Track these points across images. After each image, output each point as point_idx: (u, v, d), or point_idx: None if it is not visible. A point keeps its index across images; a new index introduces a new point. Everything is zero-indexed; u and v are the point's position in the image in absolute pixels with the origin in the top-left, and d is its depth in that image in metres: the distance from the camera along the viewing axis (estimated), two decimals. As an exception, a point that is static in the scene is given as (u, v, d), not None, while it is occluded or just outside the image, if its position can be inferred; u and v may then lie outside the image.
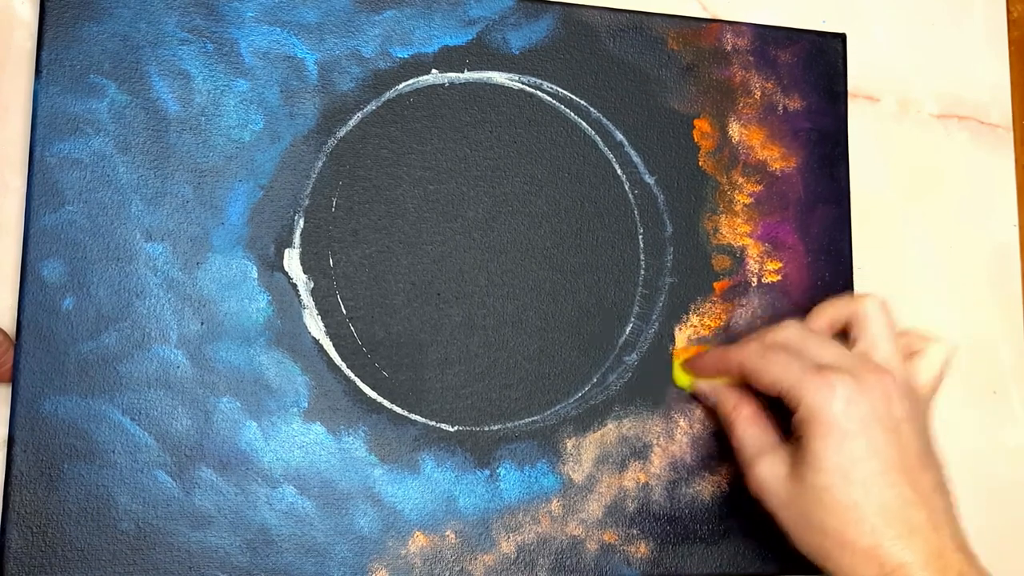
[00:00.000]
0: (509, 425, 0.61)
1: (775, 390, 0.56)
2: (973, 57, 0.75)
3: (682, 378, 0.64)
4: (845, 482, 0.53)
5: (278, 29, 0.60)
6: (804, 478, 0.54)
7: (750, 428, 0.59)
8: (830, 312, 0.60)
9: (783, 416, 0.57)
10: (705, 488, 0.63)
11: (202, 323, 0.58)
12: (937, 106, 0.74)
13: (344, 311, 0.59)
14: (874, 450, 0.53)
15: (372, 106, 0.61)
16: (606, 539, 0.61)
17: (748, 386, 0.60)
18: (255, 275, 0.59)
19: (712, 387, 0.62)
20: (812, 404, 0.54)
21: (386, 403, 0.60)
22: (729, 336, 0.65)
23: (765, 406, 0.60)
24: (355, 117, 0.61)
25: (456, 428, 0.60)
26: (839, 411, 0.53)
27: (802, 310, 0.66)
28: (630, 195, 0.64)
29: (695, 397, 0.64)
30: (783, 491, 0.56)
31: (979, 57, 0.76)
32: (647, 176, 0.65)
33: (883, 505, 0.53)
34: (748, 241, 0.66)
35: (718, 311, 0.65)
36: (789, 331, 0.59)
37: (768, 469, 0.57)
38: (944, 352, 0.59)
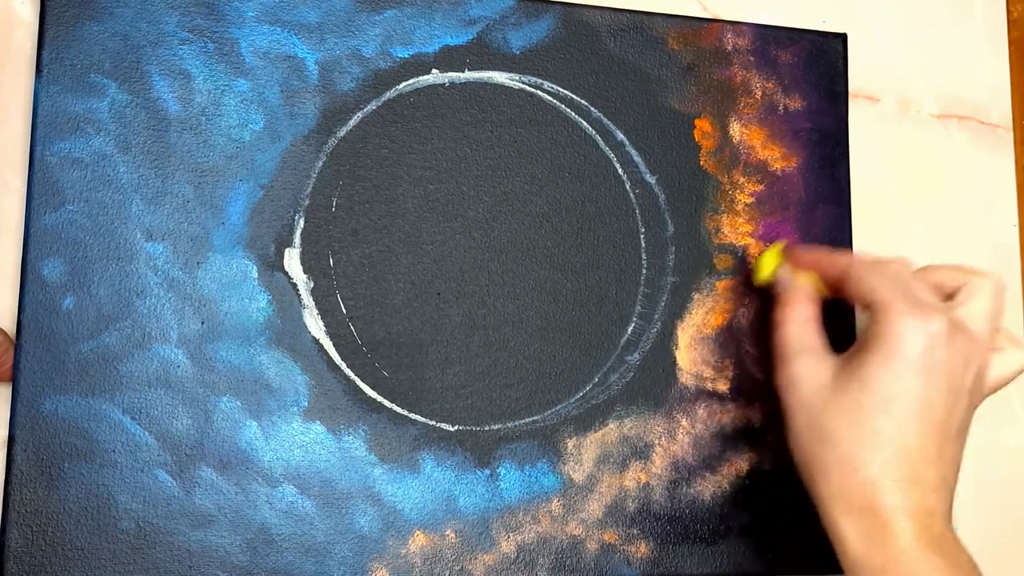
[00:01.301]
0: (509, 425, 0.61)
1: (869, 298, 0.55)
2: (973, 57, 0.75)
3: (770, 260, 0.62)
4: (884, 409, 0.52)
5: (279, 29, 0.60)
6: (845, 389, 0.53)
7: (805, 326, 0.58)
8: (945, 272, 0.58)
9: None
10: (706, 488, 0.63)
11: (202, 322, 0.58)
12: (937, 106, 0.74)
13: (344, 311, 0.59)
14: (927, 397, 0.52)
15: (372, 106, 0.61)
16: (606, 539, 0.61)
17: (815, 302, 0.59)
18: (255, 275, 0.59)
19: (791, 277, 0.61)
20: (899, 324, 0.53)
21: (386, 403, 0.60)
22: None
23: (822, 322, 0.59)
24: (355, 117, 0.61)
25: (456, 428, 0.60)
26: (917, 345, 0.52)
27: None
28: (631, 195, 0.64)
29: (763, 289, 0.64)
30: (815, 393, 0.55)
31: (979, 57, 0.76)
32: (648, 176, 0.65)
33: (904, 447, 0.52)
34: (750, 240, 0.66)
35: (720, 310, 0.65)
36: (900, 264, 0.57)
37: (807, 368, 0.56)
38: (1020, 363, 0.57)
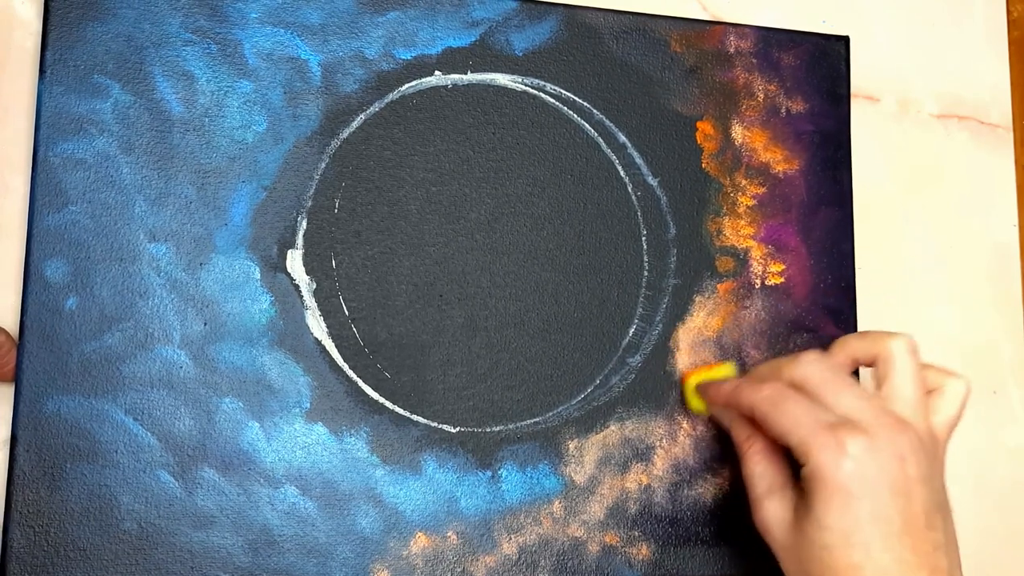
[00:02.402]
0: (511, 426, 0.61)
1: (785, 442, 0.54)
2: (973, 57, 0.75)
3: (695, 403, 0.63)
4: (846, 544, 0.52)
5: (282, 30, 0.60)
6: (806, 532, 0.53)
7: (760, 464, 0.58)
8: (856, 346, 0.58)
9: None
10: (707, 490, 0.63)
11: (205, 324, 0.58)
12: (937, 106, 0.74)
13: (346, 312, 0.60)
14: (878, 515, 0.52)
15: (375, 107, 0.61)
16: (608, 541, 0.61)
17: None
18: (258, 276, 0.59)
19: (725, 415, 0.61)
20: (820, 464, 0.52)
21: (388, 404, 0.60)
22: (741, 363, 0.65)
23: (777, 444, 0.58)
24: (358, 118, 0.61)
25: (458, 429, 0.60)
26: (847, 473, 0.52)
27: (804, 312, 0.66)
28: (633, 197, 0.64)
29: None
30: (786, 536, 0.55)
31: (979, 57, 0.76)
32: (650, 178, 0.65)
33: (883, 568, 0.51)
34: (751, 243, 0.66)
35: (722, 313, 0.65)
36: (808, 368, 0.56)
37: (773, 512, 0.56)
38: (963, 390, 0.57)
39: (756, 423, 0.57)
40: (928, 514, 0.53)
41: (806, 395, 0.55)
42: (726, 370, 0.64)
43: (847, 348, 0.58)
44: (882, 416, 0.53)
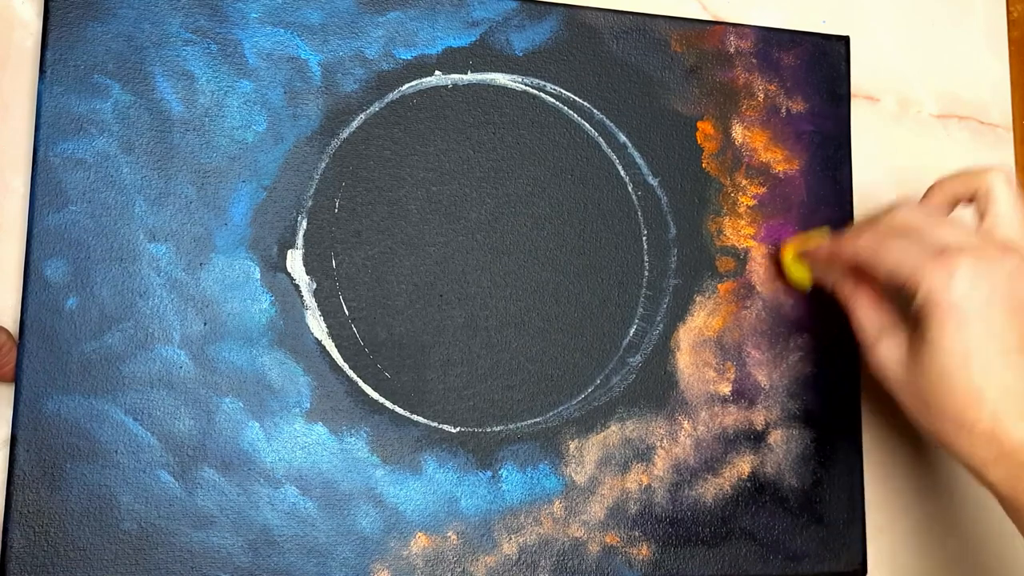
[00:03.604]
0: (511, 426, 0.61)
1: (894, 280, 0.55)
2: (973, 57, 0.75)
3: (798, 272, 0.64)
4: (964, 366, 0.52)
5: (282, 30, 0.60)
6: (923, 362, 0.54)
7: (869, 311, 0.59)
8: (951, 187, 0.59)
9: (902, 299, 0.57)
10: (707, 490, 0.63)
11: (205, 323, 0.58)
12: (937, 106, 0.74)
13: (346, 312, 0.60)
14: (994, 332, 0.52)
15: (375, 107, 0.61)
16: (608, 541, 0.61)
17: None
18: (258, 276, 0.59)
19: (829, 274, 0.62)
20: (932, 289, 0.53)
21: (388, 404, 0.60)
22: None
23: (883, 291, 0.59)
24: (358, 118, 0.61)
25: (458, 429, 0.60)
26: (960, 294, 0.52)
27: (805, 312, 0.66)
28: (633, 197, 0.64)
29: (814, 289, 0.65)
30: (903, 373, 0.56)
31: (979, 57, 0.76)
32: (650, 178, 0.65)
33: (1003, 387, 0.52)
34: (752, 243, 0.66)
35: (722, 313, 0.65)
36: (905, 213, 0.57)
37: (887, 352, 0.57)
38: None
39: (859, 277, 0.59)
40: None
41: (908, 235, 0.56)
42: (821, 233, 0.65)
43: (943, 189, 0.59)
44: (987, 241, 0.54)
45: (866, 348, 0.58)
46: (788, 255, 0.65)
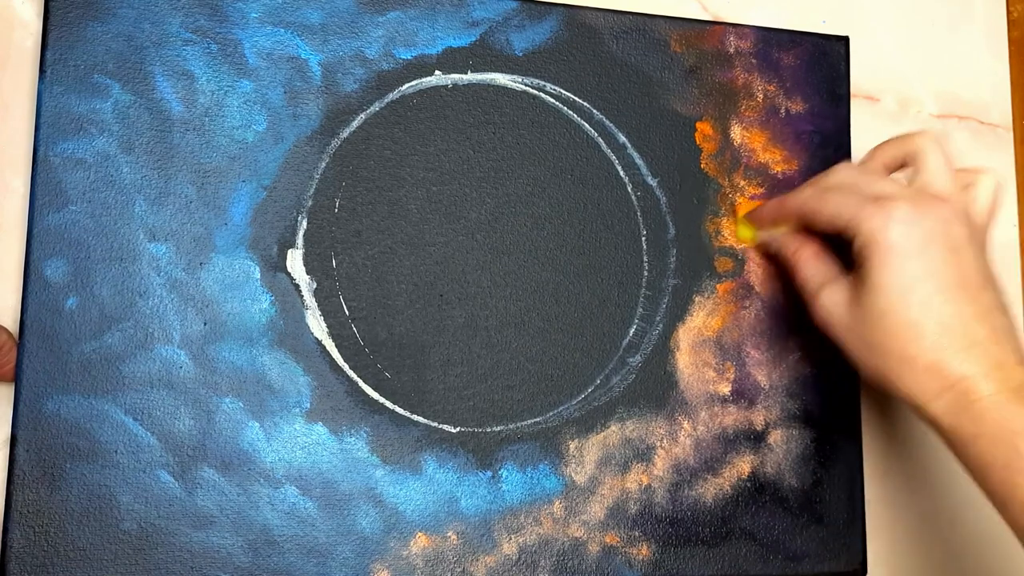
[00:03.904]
0: (511, 427, 0.61)
1: (834, 226, 0.58)
2: (973, 57, 0.76)
3: (744, 232, 0.66)
4: (904, 302, 0.55)
5: (282, 30, 0.60)
6: (865, 303, 0.56)
7: (812, 263, 0.61)
8: (885, 151, 0.61)
9: (844, 256, 0.59)
10: (707, 490, 0.63)
11: (205, 323, 0.58)
12: (937, 106, 0.74)
13: (347, 312, 0.60)
14: (932, 270, 0.55)
15: (375, 107, 0.61)
16: (608, 541, 0.61)
17: (808, 231, 0.62)
18: (258, 276, 0.59)
19: (773, 236, 0.64)
20: (870, 230, 0.55)
21: (388, 404, 0.60)
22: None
23: (826, 246, 0.61)
24: (358, 118, 0.61)
25: (458, 429, 0.60)
26: (897, 234, 0.55)
27: (803, 312, 0.66)
28: (633, 197, 0.64)
29: (761, 250, 0.66)
30: (846, 317, 0.57)
31: (979, 57, 0.76)
32: (650, 178, 0.65)
33: (943, 322, 0.54)
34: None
35: (721, 313, 0.65)
36: (843, 172, 0.60)
37: (830, 298, 0.59)
38: (993, 181, 0.60)
39: (803, 236, 0.62)
40: (981, 274, 0.56)
41: (847, 188, 0.58)
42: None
43: (877, 155, 0.61)
44: (922, 192, 0.57)
45: (810, 298, 0.60)
46: (739, 216, 0.66)
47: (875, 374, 0.57)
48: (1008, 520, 0.53)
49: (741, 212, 0.66)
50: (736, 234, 0.66)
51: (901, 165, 0.60)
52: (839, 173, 0.60)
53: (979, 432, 0.53)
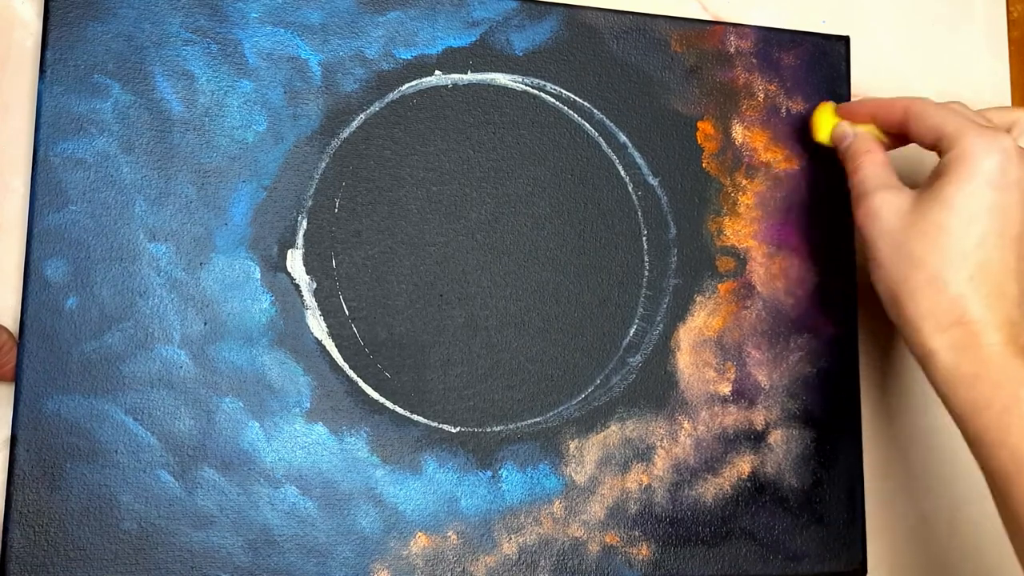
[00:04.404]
0: (511, 426, 0.61)
1: (936, 132, 0.58)
2: (973, 57, 0.76)
3: (822, 121, 0.65)
4: (965, 228, 0.55)
5: (282, 30, 0.60)
6: (926, 212, 0.56)
7: (879, 167, 0.60)
8: (995, 113, 0.61)
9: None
10: (708, 490, 0.63)
11: (205, 323, 0.58)
12: (938, 107, 0.74)
13: (347, 312, 0.60)
14: (1004, 211, 0.55)
15: (375, 107, 0.61)
16: (608, 541, 0.61)
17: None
18: (258, 276, 0.59)
19: (851, 131, 0.63)
20: (969, 148, 0.55)
21: (388, 404, 0.60)
22: None
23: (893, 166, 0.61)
24: (358, 118, 0.61)
25: (458, 429, 0.60)
26: (993, 163, 0.55)
27: (804, 312, 0.66)
28: (634, 197, 0.64)
29: (826, 147, 0.66)
30: (896, 220, 0.57)
31: (979, 57, 0.76)
32: (651, 178, 0.65)
33: (986, 262, 0.55)
34: (752, 243, 0.66)
35: (722, 313, 0.65)
36: (957, 104, 0.60)
37: (887, 199, 0.58)
38: None
39: (879, 143, 0.62)
40: None
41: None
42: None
43: (986, 113, 0.61)
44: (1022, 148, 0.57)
45: (865, 193, 0.60)
46: (827, 107, 0.66)
47: (894, 287, 0.57)
48: (992, 464, 0.53)
49: (829, 105, 0.66)
50: (812, 124, 0.66)
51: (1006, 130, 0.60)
52: (953, 103, 0.60)
53: (980, 373, 0.54)
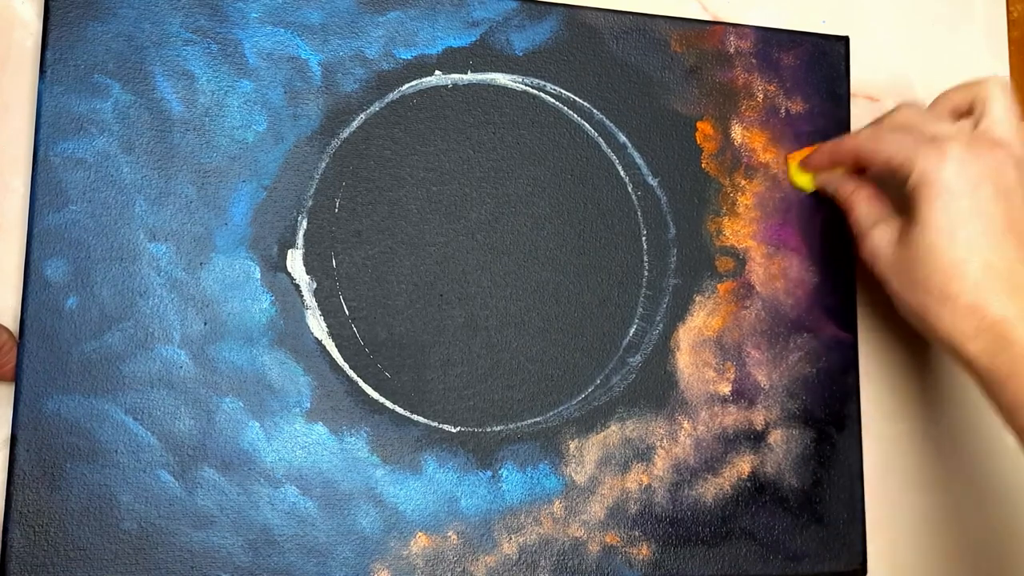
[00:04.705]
0: (511, 426, 0.61)
1: (890, 166, 0.59)
2: (973, 57, 0.76)
3: (800, 178, 0.67)
4: (951, 240, 0.56)
5: (282, 30, 0.60)
6: (913, 240, 0.57)
7: (867, 203, 0.62)
8: (952, 96, 0.62)
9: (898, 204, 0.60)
10: (708, 490, 0.63)
11: (205, 323, 0.58)
12: (937, 107, 0.74)
13: (347, 312, 0.60)
14: (981, 211, 0.56)
15: (375, 107, 0.61)
16: (608, 540, 0.61)
17: (863, 176, 0.63)
18: (258, 275, 0.59)
19: (831, 178, 0.65)
20: (924, 170, 0.56)
21: (388, 404, 0.60)
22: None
23: (880, 191, 0.62)
24: (358, 118, 0.61)
25: (458, 429, 0.60)
26: (950, 174, 0.56)
27: (804, 312, 0.66)
28: (633, 197, 0.64)
29: (817, 194, 0.68)
30: (892, 254, 0.59)
31: (979, 57, 0.76)
32: (650, 178, 0.65)
33: (987, 263, 0.55)
34: (751, 243, 0.66)
35: (722, 313, 0.65)
36: (904, 113, 0.61)
37: (880, 235, 0.60)
38: None
39: (859, 179, 0.63)
40: None
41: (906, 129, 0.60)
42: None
43: (945, 99, 0.62)
44: (980, 136, 0.58)
45: (861, 236, 0.61)
46: (793, 164, 0.67)
47: (916, 312, 0.58)
48: None
49: (794, 159, 0.67)
50: (791, 181, 0.67)
51: (968, 111, 0.61)
52: (900, 114, 0.61)
53: (1013, 372, 0.54)
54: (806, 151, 0.67)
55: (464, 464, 0.60)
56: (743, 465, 0.64)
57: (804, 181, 0.67)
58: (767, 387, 0.65)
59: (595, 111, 0.64)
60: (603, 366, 0.63)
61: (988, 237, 0.55)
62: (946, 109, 0.61)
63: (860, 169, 0.63)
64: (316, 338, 0.59)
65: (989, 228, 0.55)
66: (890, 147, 0.59)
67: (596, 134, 0.64)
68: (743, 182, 0.66)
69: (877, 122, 0.63)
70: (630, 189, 0.64)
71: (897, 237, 0.59)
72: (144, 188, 0.58)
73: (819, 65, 0.68)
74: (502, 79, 0.63)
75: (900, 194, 0.59)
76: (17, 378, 0.55)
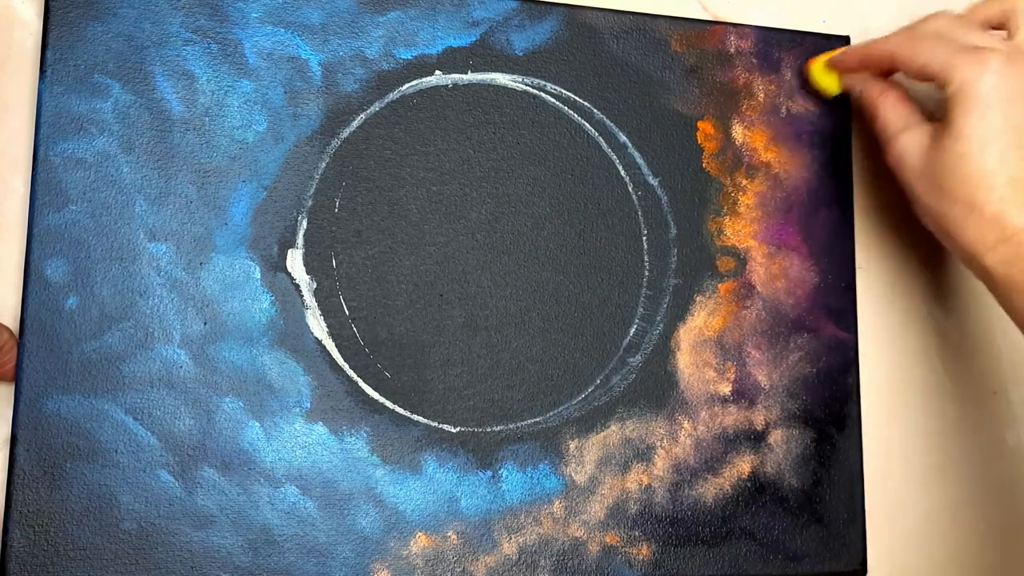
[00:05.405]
0: (511, 426, 0.61)
1: (926, 72, 0.59)
2: (973, 58, 0.75)
3: (824, 80, 0.67)
4: (981, 151, 0.56)
5: (282, 30, 0.60)
6: (944, 147, 0.57)
7: (896, 107, 0.62)
8: (983, 9, 0.62)
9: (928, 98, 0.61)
10: (708, 490, 0.63)
11: (205, 323, 0.58)
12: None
13: (347, 312, 0.60)
14: (1015, 124, 0.56)
15: (376, 107, 0.61)
16: (608, 541, 0.61)
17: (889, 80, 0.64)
18: (258, 275, 0.59)
19: (857, 80, 0.65)
20: (962, 78, 0.57)
21: (388, 404, 0.60)
22: None
23: (908, 95, 0.63)
24: (358, 118, 0.61)
25: (458, 429, 0.60)
26: (989, 86, 0.56)
27: (804, 312, 0.66)
28: (634, 196, 0.64)
29: (840, 97, 0.68)
30: (921, 160, 0.59)
31: (979, 58, 0.75)
32: (651, 178, 0.65)
33: (1014, 176, 0.56)
34: (752, 243, 0.66)
35: (723, 312, 0.65)
36: (939, 20, 0.61)
37: (909, 140, 0.60)
38: None
39: (887, 81, 0.63)
40: None
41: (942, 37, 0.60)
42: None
43: (976, 11, 0.62)
44: (1018, 50, 0.58)
45: (888, 139, 0.62)
46: (817, 64, 0.67)
47: (938, 220, 0.59)
48: None
49: (819, 60, 0.67)
50: (814, 83, 0.67)
51: (999, 25, 0.61)
52: (935, 21, 0.61)
53: None
54: (829, 54, 0.67)
55: (464, 464, 0.60)
56: (743, 465, 0.64)
57: (829, 83, 0.67)
58: (767, 387, 0.65)
59: (595, 111, 0.64)
60: (603, 366, 0.63)
61: (1018, 150, 0.56)
62: (977, 20, 0.62)
63: (886, 73, 0.64)
64: (316, 338, 0.59)
65: (1020, 142, 0.56)
66: (927, 53, 0.59)
67: (596, 134, 0.64)
68: (744, 182, 0.66)
69: (908, 28, 0.62)
70: (631, 189, 0.64)
71: (928, 143, 0.59)
72: (144, 188, 0.58)
73: (819, 65, 0.69)
74: (502, 79, 0.63)
75: (922, 100, 0.60)
76: (17, 378, 0.55)
